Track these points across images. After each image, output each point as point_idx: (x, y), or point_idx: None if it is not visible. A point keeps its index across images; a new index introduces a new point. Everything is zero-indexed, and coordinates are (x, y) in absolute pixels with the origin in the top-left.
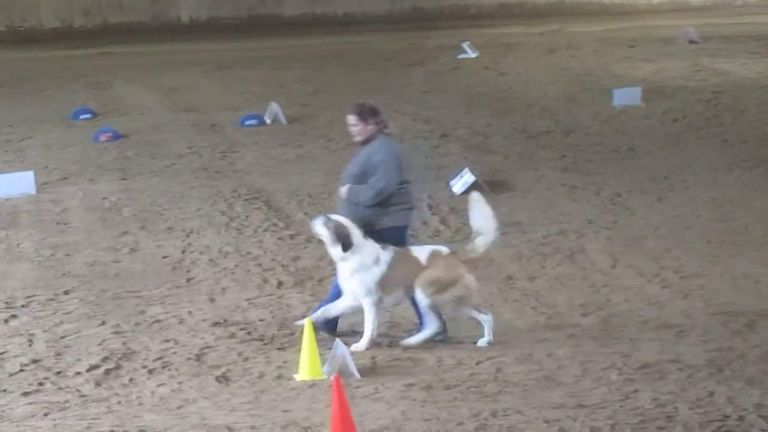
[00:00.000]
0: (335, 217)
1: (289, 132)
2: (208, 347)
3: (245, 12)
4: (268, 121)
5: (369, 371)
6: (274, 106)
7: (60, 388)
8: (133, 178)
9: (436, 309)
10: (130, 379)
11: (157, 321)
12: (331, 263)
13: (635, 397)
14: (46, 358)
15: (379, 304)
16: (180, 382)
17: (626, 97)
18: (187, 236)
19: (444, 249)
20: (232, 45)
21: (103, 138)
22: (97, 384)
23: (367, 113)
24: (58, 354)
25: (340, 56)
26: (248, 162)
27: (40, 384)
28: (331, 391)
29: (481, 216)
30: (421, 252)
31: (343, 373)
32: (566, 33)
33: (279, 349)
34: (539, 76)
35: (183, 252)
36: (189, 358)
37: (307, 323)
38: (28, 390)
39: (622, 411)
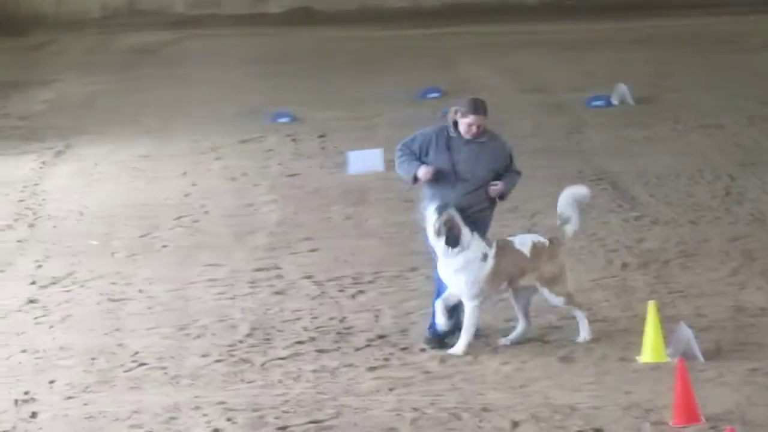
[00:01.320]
0: (450, 210)
1: (637, 113)
2: (551, 327)
3: None
4: (615, 102)
5: (713, 355)
6: (622, 87)
7: (405, 364)
8: None
9: (572, 301)
10: (475, 357)
11: (501, 300)
12: (677, 246)
13: None
14: (392, 334)
15: (481, 306)
16: (524, 361)
17: None
18: (532, 216)
19: (542, 238)
20: (577, 26)
21: None
22: (442, 361)
23: (487, 110)
24: (404, 330)
25: (685, 38)
26: (594, 143)
27: (386, 359)
28: (674, 374)
29: (567, 204)
30: (522, 244)
31: (686, 356)
32: None
33: (622, 330)
34: None
35: (527, 232)
36: (533, 338)
37: (651, 305)
38: (374, 365)
39: None
